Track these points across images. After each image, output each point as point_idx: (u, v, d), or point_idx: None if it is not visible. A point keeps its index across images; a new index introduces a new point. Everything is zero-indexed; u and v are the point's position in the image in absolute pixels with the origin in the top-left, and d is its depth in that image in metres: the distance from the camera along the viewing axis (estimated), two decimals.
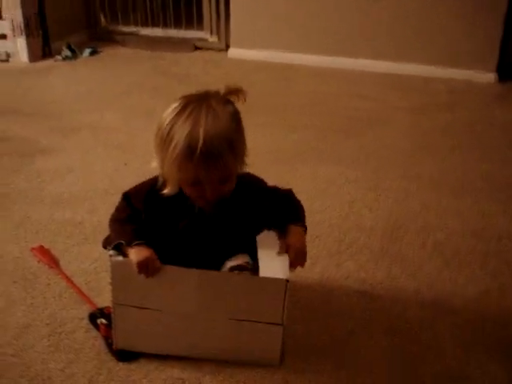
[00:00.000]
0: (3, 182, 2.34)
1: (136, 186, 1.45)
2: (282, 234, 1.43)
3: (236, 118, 1.35)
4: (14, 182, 2.34)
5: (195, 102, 1.32)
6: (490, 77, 3.64)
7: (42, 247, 1.89)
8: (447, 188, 2.37)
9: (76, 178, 2.38)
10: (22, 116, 3.04)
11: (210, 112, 1.30)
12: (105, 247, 1.39)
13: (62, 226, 2.03)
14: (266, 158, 2.55)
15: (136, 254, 1.32)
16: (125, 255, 1.35)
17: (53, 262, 1.82)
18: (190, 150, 1.25)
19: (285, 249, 1.39)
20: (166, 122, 1.31)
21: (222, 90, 1.36)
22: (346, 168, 2.50)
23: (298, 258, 1.39)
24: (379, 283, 1.77)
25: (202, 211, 1.43)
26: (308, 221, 1.85)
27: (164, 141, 1.30)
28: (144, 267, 1.32)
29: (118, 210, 1.44)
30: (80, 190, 2.28)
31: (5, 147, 2.66)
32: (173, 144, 1.28)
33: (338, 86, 3.61)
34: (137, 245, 1.33)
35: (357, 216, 2.13)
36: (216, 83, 3.49)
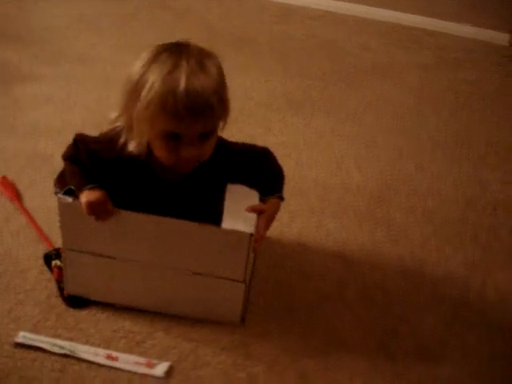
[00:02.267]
0: None
1: (89, 136, 1.29)
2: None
3: (222, 71, 1.19)
4: None
5: (172, 48, 1.17)
6: (505, 38, 3.44)
7: (4, 178, 1.77)
8: (446, 151, 2.22)
9: (53, 109, 2.24)
10: (8, 40, 2.85)
11: (192, 57, 1.14)
12: (56, 190, 1.25)
13: (30, 158, 1.91)
14: (259, 105, 2.41)
15: (86, 195, 1.19)
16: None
17: (15, 195, 1.71)
18: (168, 93, 1.09)
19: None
20: (137, 68, 1.16)
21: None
22: (340, 121, 2.35)
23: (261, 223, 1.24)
24: (360, 247, 1.66)
25: (166, 178, 1.29)
26: (292, 174, 1.73)
27: (135, 87, 1.14)
28: (93, 208, 1.19)
29: (68, 148, 1.29)
30: (56, 121, 2.14)
31: None
32: (146, 88, 1.11)
33: (341, 32, 3.39)
34: (89, 189, 1.20)
35: (345, 173, 1.99)
36: (216, 22, 3.30)
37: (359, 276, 1.56)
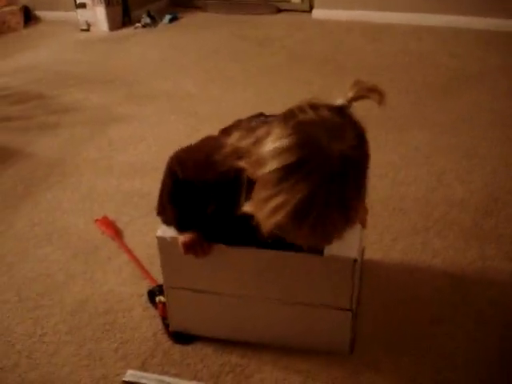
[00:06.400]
0: (74, 151, 2.29)
1: (186, 152, 1.22)
2: None
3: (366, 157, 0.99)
4: (85, 151, 2.29)
5: (312, 156, 0.89)
6: None
7: (106, 218, 1.81)
8: None
9: (148, 147, 2.29)
10: (100, 84, 2.99)
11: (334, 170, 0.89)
12: (159, 213, 1.25)
13: (128, 197, 1.95)
14: None
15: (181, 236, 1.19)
16: None
17: (116, 233, 1.75)
18: (300, 214, 0.86)
19: None
20: (276, 166, 0.88)
21: (350, 94, 1.01)
22: (436, 134, 2.25)
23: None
24: (470, 264, 1.56)
25: None
26: (391, 193, 1.65)
27: (279, 181, 0.87)
28: (190, 248, 1.18)
29: (164, 182, 1.22)
30: (151, 159, 2.19)
31: (80, 116, 2.62)
32: (281, 197, 0.86)
33: (428, 44, 3.32)
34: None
35: (447, 188, 1.89)
36: (299, 46, 3.29)
37: (471, 295, 1.46)
